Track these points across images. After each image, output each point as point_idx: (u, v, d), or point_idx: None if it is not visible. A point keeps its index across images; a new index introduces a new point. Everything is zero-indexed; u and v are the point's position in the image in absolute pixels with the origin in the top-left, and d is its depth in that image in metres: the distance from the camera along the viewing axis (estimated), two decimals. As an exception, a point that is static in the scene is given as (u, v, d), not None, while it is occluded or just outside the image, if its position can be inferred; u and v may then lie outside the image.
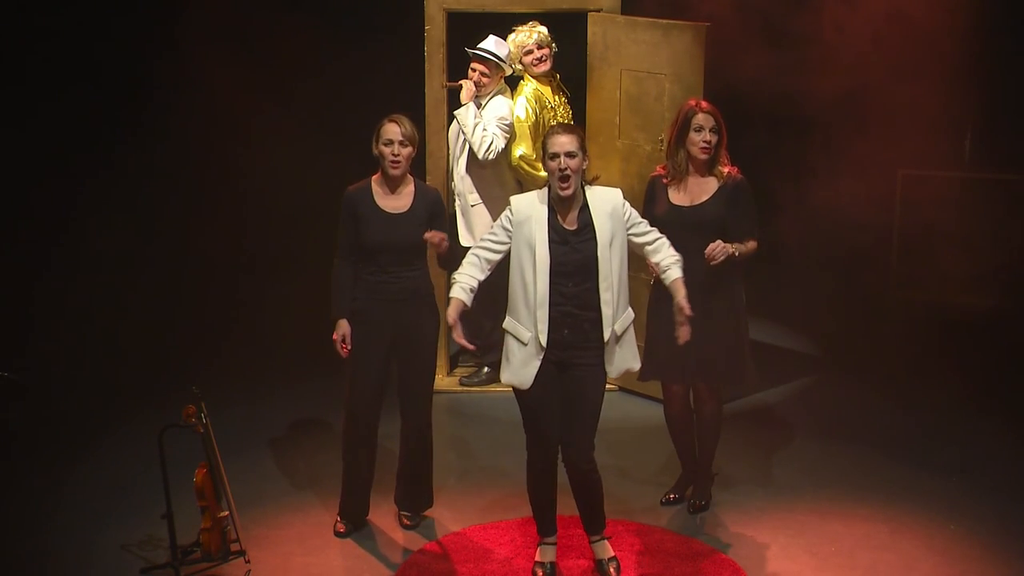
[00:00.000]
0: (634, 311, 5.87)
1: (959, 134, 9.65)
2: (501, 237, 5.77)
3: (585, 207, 5.73)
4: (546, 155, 5.70)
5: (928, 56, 8.71)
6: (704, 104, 6.27)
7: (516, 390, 5.79)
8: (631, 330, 5.84)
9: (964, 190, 9.59)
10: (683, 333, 5.77)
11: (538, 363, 5.71)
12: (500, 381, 8.05)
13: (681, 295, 5.76)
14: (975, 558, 6.16)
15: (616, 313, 5.71)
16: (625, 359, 5.81)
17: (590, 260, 5.67)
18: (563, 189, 5.66)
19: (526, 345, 5.73)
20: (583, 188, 5.76)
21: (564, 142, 5.65)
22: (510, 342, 5.81)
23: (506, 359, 5.82)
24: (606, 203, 5.74)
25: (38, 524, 6.45)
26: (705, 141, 6.20)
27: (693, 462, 6.66)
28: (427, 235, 6.06)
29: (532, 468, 5.83)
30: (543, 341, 5.68)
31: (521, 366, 5.75)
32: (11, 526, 6.44)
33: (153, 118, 9.73)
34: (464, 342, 5.75)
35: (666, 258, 5.84)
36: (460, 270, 5.83)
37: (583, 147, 5.69)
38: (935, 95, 8.76)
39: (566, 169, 5.63)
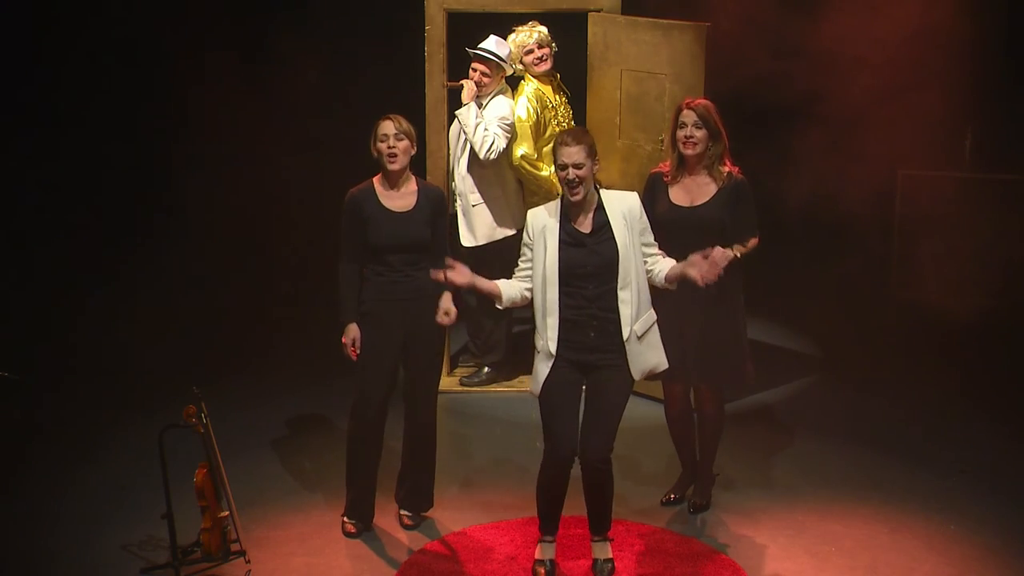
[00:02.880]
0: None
1: (959, 134, 9.65)
2: (528, 257, 5.79)
3: (600, 208, 5.74)
4: (556, 164, 5.72)
5: (928, 57, 8.71)
6: (695, 102, 6.28)
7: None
8: (655, 330, 5.83)
9: (964, 190, 9.59)
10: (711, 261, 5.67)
11: (547, 370, 5.75)
12: (500, 381, 8.17)
13: (678, 267, 5.72)
14: (975, 558, 6.16)
15: (636, 313, 5.71)
16: (648, 360, 5.80)
17: (611, 261, 5.68)
18: (573, 195, 5.69)
19: (539, 352, 5.79)
20: (598, 191, 5.77)
21: (572, 152, 5.65)
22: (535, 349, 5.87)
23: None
24: (622, 204, 5.76)
25: (38, 524, 6.45)
26: (687, 136, 6.22)
27: (693, 462, 6.67)
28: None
29: (545, 469, 5.82)
30: (552, 349, 5.71)
31: (535, 373, 5.82)
32: (12, 526, 6.44)
33: (152, 120, 9.74)
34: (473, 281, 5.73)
35: (660, 267, 5.82)
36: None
37: (592, 153, 5.69)
38: (936, 95, 8.75)
39: (575, 179, 5.65)
